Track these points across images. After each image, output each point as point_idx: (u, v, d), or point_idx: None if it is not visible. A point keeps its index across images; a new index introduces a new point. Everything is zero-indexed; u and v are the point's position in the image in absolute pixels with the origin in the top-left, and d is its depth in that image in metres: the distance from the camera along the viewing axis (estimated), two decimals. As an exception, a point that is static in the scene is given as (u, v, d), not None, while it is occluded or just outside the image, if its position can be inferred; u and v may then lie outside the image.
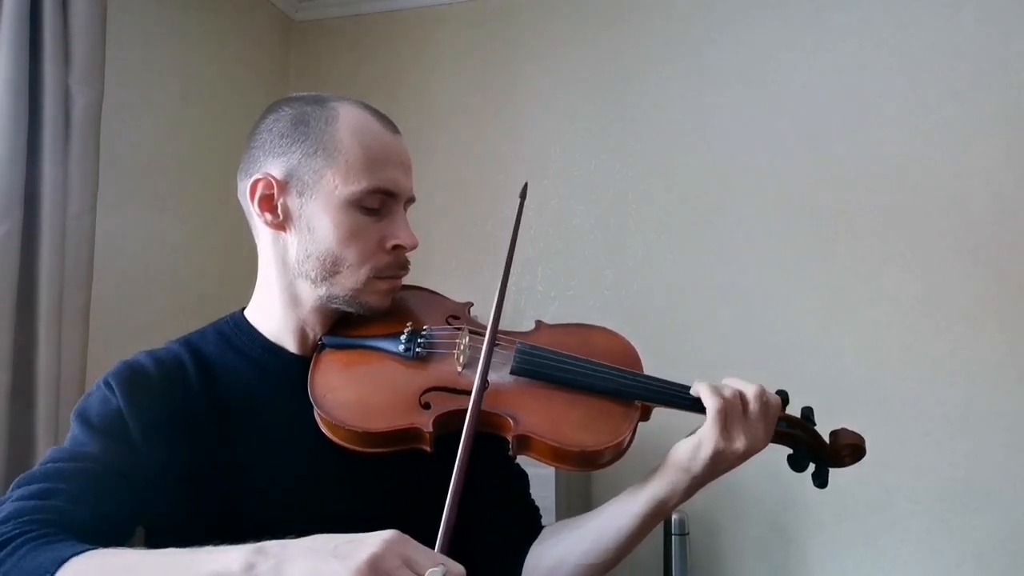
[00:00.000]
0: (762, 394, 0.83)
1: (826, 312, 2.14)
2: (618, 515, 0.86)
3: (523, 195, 0.94)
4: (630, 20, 2.40)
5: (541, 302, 2.34)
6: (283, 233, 0.88)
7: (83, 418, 0.81)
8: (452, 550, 0.62)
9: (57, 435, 1.58)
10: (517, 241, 0.89)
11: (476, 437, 0.72)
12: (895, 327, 2.09)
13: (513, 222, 0.91)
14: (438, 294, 1.01)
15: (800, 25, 2.25)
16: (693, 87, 2.33)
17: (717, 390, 0.81)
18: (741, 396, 0.82)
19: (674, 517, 1.91)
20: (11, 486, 0.75)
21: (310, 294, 0.89)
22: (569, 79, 2.42)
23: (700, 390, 0.83)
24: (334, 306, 0.89)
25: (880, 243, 2.12)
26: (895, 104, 2.15)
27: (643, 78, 2.37)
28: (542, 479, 1.05)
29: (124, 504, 0.79)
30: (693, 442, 0.82)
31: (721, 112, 2.29)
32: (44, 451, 1.52)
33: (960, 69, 2.11)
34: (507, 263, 0.87)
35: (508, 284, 0.85)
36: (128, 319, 1.94)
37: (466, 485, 0.66)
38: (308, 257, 0.87)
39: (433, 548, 0.61)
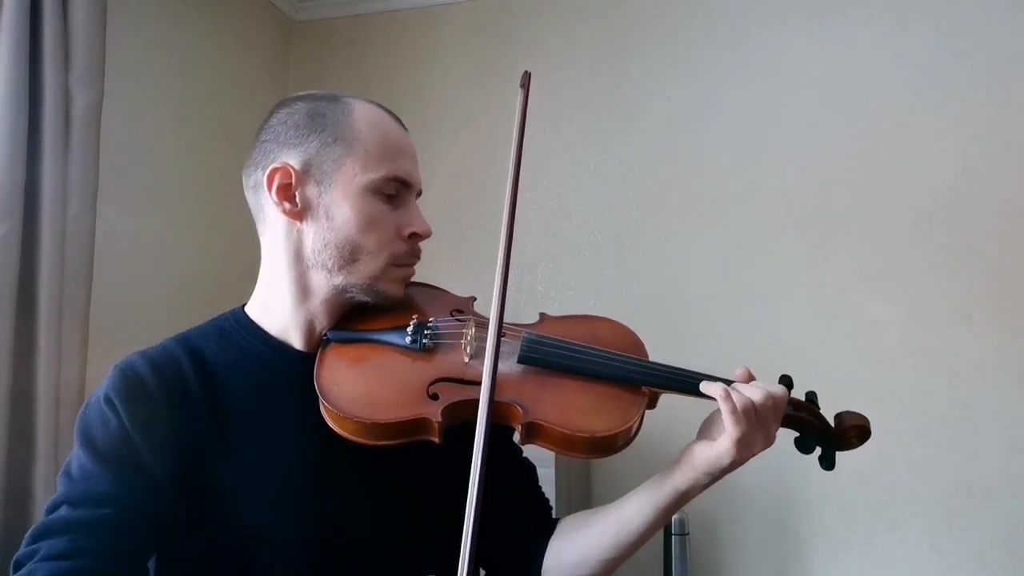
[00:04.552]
0: (771, 399, 0.81)
1: (826, 312, 2.14)
2: (642, 508, 0.87)
3: (524, 84, 0.90)
4: (630, 21, 2.40)
5: (541, 302, 2.34)
6: (298, 223, 0.88)
7: (89, 442, 0.80)
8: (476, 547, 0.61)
9: (57, 435, 1.58)
10: (522, 167, 0.85)
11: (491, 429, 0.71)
12: (895, 328, 2.09)
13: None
14: (441, 289, 1.01)
15: (802, 26, 2.26)
16: (693, 88, 2.33)
17: (739, 416, 0.79)
18: (755, 408, 0.80)
19: (674, 517, 1.90)
20: (28, 536, 0.75)
21: (324, 284, 0.88)
22: (569, 79, 2.42)
23: (724, 411, 0.80)
24: (348, 296, 0.89)
25: (880, 244, 2.12)
26: (897, 105, 2.15)
27: (643, 78, 2.37)
28: (542, 479, 1.05)
29: (148, 541, 0.79)
30: (712, 453, 0.81)
31: (721, 112, 2.29)
32: (44, 451, 1.55)
33: (961, 70, 2.11)
34: (514, 181, 0.83)
35: (511, 267, 0.81)
36: (128, 319, 1.94)
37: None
38: (326, 246, 0.86)
39: (445, 542, 0.60)
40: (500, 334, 0.77)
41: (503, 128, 2.63)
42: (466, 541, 0.61)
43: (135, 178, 2.02)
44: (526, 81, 0.91)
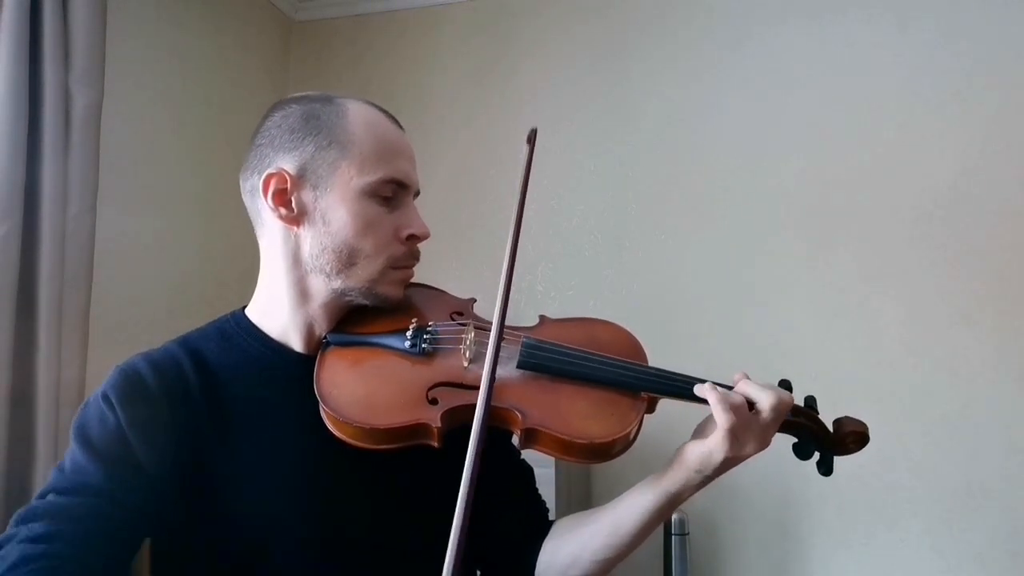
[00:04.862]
0: (773, 401, 0.80)
1: (826, 312, 2.14)
2: (635, 509, 0.87)
3: (531, 140, 0.90)
4: (630, 21, 2.40)
5: (541, 302, 2.34)
6: (295, 228, 0.87)
7: (83, 437, 0.80)
8: (463, 551, 0.61)
9: (57, 436, 1.58)
10: (526, 203, 0.85)
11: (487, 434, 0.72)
12: (895, 327, 2.09)
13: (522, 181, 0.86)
14: (441, 291, 1.00)
15: (802, 26, 2.25)
16: (693, 88, 2.33)
17: (727, 406, 0.78)
18: (752, 406, 0.80)
19: (674, 517, 1.91)
20: (13, 519, 0.75)
21: (323, 288, 0.88)
22: (569, 79, 2.42)
23: (711, 401, 0.80)
24: (348, 299, 0.89)
25: (880, 244, 2.12)
26: (897, 105, 2.15)
27: (643, 78, 2.37)
28: (542, 479, 1.06)
29: (131, 535, 0.79)
30: (703, 449, 0.81)
31: (721, 112, 2.29)
32: (44, 452, 1.55)
33: (961, 70, 2.11)
34: (516, 227, 0.83)
35: (516, 262, 0.81)
36: (128, 319, 1.94)
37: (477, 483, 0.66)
38: (324, 250, 0.86)
39: (444, 543, 0.61)
40: (500, 340, 0.77)
41: (503, 128, 2.64)
42: (453, 541, 0.61)
43: (135, 178, 2.02)
44: (532, 137, 0.90)
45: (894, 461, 2.03)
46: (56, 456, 1.57)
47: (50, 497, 0.76)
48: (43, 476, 1.55)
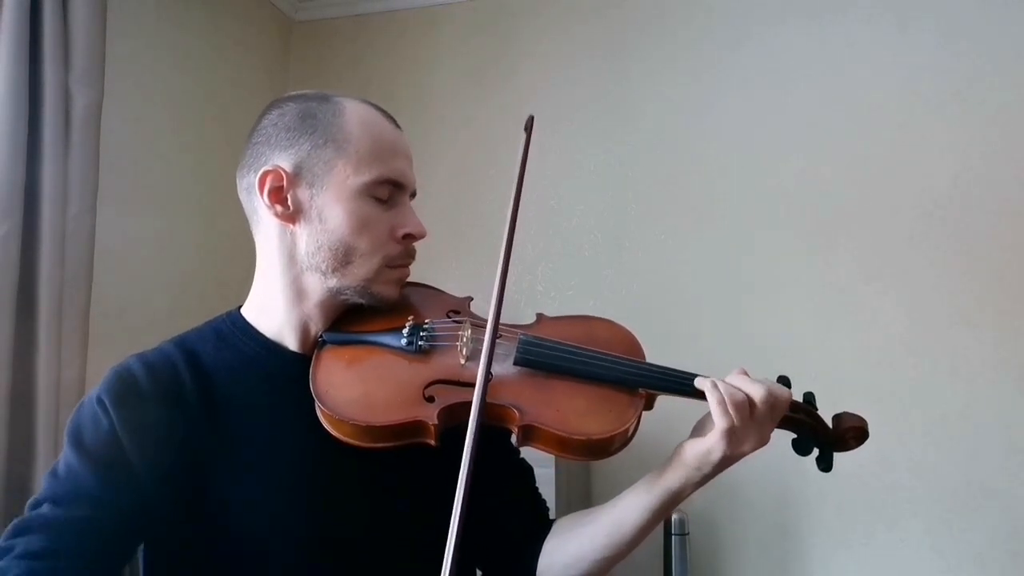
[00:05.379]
0: (771, 397, 0.80)
1: (826, 312, 2.14)
2: (634, 508, 0.87)
3: (528, 128, 0.91)
4: (630, 21, 2.40)
5: (541, 302, 2.34)
6: (291, 226, 0.87)
7: (77, 441, 0.80)
8: (462, 549, 0.61)
9: (57, 436, 1.58)
10: (522, 192, 0.85)
11: (482, 430, 0.72)
12: (895, 327, 2.09)
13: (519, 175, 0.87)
14: (438, 289, 1.00)
15: (802, 26, 2.25)
16: (693, 88, 2.33)
17: (727, 407, 0.78)
18: (750, 403, 0.79)
19: (674, 517, 1.91)
20: (8, 531, 0.75)
21: (319, 287, 0.88)
22: (568, 79, 2.42)
23: (711, 401, 0.79)
24: (343, 298, 0.89)
25: (881, 243, 2.12)
26: (897, 105, 2.15)
27: (643, 78, 2.37)
28: (542, 478, 1.06)
29: (128, 541, 0.80)
30: (702, 447, 0.81)
31: (721, 112, 2.29)
32: (44, 452, 1.55)
33: (961, 70, 2.11)
34: (513, 213, 0.83)
35: (510, 267, 0.81)
36: (128, 319, 1.94)
37: (475, 483, 0.65)
38: (319, 248, 0.86)
39: (443, 542, 0.61)
40: (495, 338, 0.76)
41: (503, 128, 2.64)
42: (451, 543, 0.61)
43: (135, 178, 2.02)
44: (529, 125, 0.91)
45: (894, 461, 2.03)
46: (56, 456, 1.57)
47: (45, 508, 0.76)
48: (43, 476, 1.55)
